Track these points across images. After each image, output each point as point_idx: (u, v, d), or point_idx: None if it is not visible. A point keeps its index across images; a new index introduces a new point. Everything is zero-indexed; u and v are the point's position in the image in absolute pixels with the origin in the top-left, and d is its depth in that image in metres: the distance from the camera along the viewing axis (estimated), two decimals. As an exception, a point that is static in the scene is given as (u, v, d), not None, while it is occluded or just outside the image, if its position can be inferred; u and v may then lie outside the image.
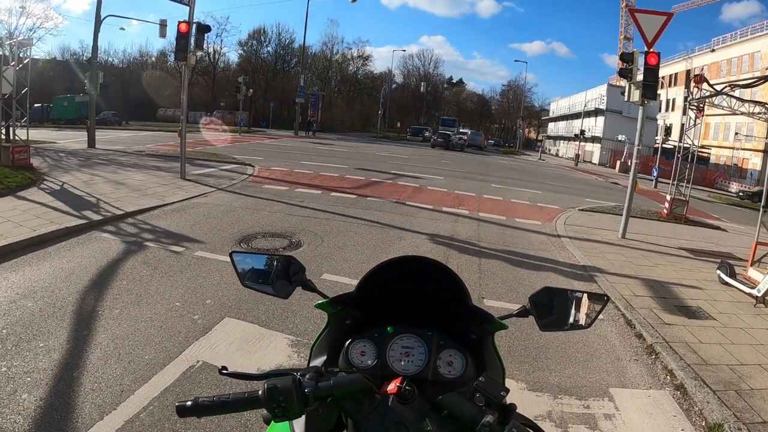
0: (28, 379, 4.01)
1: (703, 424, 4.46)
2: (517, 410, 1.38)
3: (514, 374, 4.99)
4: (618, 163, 52.49)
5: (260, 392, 1.22)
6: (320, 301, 1.75)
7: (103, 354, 4.49)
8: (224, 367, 1.39)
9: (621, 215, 13.20)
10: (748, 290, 8.15)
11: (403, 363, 1.64)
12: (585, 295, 1.82)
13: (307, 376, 1.28)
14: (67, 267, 6.76)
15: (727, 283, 8.79)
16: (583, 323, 1.79)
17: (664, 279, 9.00)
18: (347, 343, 1.68)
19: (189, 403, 1.21)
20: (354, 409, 1.27)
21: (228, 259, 1.89)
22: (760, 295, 7.82)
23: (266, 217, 10.72)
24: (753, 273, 8.75)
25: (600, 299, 1.83)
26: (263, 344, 5.02)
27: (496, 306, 6.82)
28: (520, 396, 4.64)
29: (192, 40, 14.56)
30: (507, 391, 1.36)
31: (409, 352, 1.67)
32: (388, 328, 1.70)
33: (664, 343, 5.98)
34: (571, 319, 1.80)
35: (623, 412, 4.52)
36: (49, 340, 4.66)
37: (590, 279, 8.75)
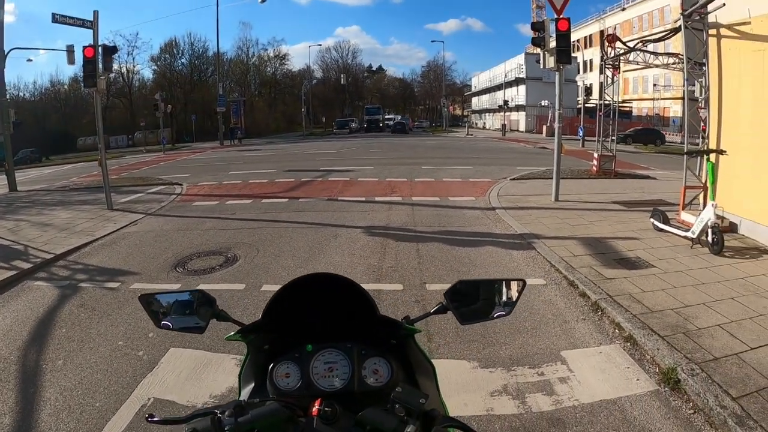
0: (-18, 451, 3.94)
1: (657, 370, 4.67)
2: (435, 411, 1.42)
3: (465, 354, 5.13)
4: (544, 128, 53.89)
5: None
6: (230, 334, 1.78)
7: (54, 409, 4.43)
8: (151, 415, 1.42)
9: (552, 179, 13.58)
10: (683, 234, 8.54)
11: (328, 378, 1.68)
12: (502, 281, 1.88)
13: (227, 413, 1.31)
14: (3, 324, 6.55)
15: (662, 230, 9.18)
16: (504, 311, 1.85)
17: (600, 235, 9.37)
18: (270, 367, 1.71)
19: None
20: None
21: (164, 286, 1.91)
22: (695, 236, 8.21)
23: (199, 236, 10.63)
24: (686, 216, 9.19)
25: (517, 283, 1.88)
26: (212, 369, 5.03)
27: (439, 289, 6.88)
28: (474, 375, 4.76)
29: (100, 64, 14.15)
30: (426, 397, 1.40)
31: (333, 366, 1.70)
32: (308, 347, 1.73)
33: (608, 298, 6.22)
34: (492, 308, 1.85)
35: (577, 373, 4.71)
36: (-4, 404, 4.60)
37: (528, 246, 9.01)
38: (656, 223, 9.40)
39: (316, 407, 1.39)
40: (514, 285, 1.88)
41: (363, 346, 1.75)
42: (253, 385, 1.79)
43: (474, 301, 1.87)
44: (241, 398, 1.75)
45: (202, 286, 7.10)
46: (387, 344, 1.82)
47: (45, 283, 8.23)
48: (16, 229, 12.47)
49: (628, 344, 5.24)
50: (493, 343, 5.36)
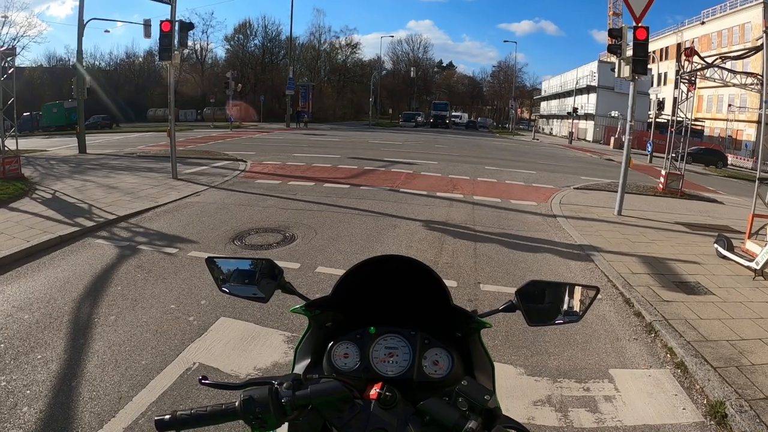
0: (28, 392, 4.02)
1: (705, 402, 4.44)
2: (503, 412, 1.34)
3: (512, 359, 5.00)
4: (612, 139, 52.52)
5: (237, 404, 1.22)
6: (296, 307, 1.74)
7: (101, 362, 4.51)
8: (204, 377, 1.38)
9: (616, 192, 13.16)
10: (746, 263, 8.12)
11: (387, 364, 1.61)
12: (575, 287, 1.78)
13: (285, 385, 1.26)
14: (61, 276, 6.76)
15: (725, 257, 8.76)
16: (574, 316, 1.76)
17: (661, 255, 8.99)
18: (330, 345, 1.66)
19: (167, 417, 1.21)
20: (334, 416, 1.25)
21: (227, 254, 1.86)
22: (758, 267, 7.80)
23: (259, 213, 10.72)
24: (751, 245, 8.72)
25: (591, 290, 1.77)
26: (259, 342, 5.04)
27: (493, 290, 6.85)
28: (519, 381, 4.64)
29: (175, 39, 14.45)
30: (491, 394, 1.32)
31: (393, 352, 1.64)
32: (371, 329, 1.68)
33: (663, 321, 5.96)
34: (561, 313, 1.76)
35: (623, 393, 4.53)
36: (47, 351, 4.68)
37: (587, 258, 8.74)
38: (720, 249, 8.99)
39: (377, 390, 1.33)
40: (586, 291, 1.78)
41: (427, 335, 1.68)
42: (308, 361, 1.74)
43: (543, 303, 1.78)
44: (295, 372, 1.71)
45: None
46: (451, 336, 1.75)
47: (105, 242, 8.44)
48: (83, 189, 12.88)
49: (679, 371, 5.02)
50: (542, 352, 5.23)
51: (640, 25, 11.66)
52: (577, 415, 4.15)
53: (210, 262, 1.85)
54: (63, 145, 26.10)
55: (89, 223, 9.31)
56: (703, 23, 58.65)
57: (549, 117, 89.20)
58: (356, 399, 1.31)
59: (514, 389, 4.49)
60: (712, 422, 4.18)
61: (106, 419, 3.72)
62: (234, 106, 51.06)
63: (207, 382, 1.36)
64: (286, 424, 1.32)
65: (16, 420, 3.67)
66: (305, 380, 1.31)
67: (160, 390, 4.10)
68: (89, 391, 4.06)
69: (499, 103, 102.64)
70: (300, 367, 1.73)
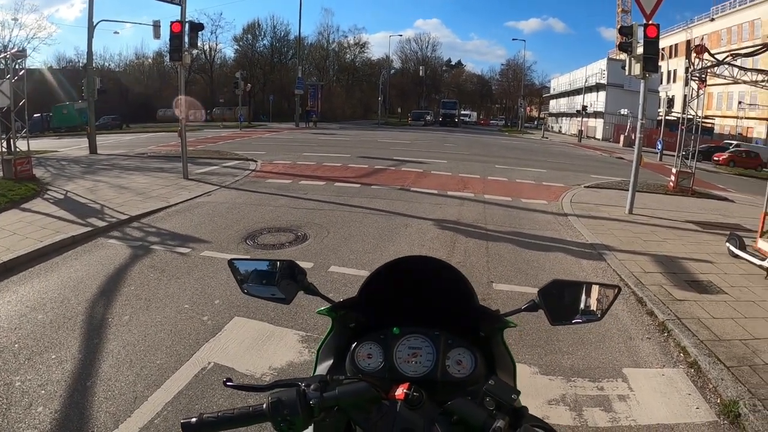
0: (42, 391, 4.03)
1: (718, 401, 4.41)
2: (529, 411, 1.36)
3: (526, 359, 4.98)
4: (622, 137, 52.31)
5: (264, 406, 1.22)
6: (322, 308, 1.74)
7: (115, 362, 4.51)
8: (228, 379, 1.38)
9: (627, 191, 13.13)
10: (758, 262, 8.06)
11: (411, 364, 1.62)
12: (596, 286, 1.79)
13: (312, 386, 1.27)
14: (75, 276, 6.78)
15: (737, 256, 8.69)
16: (595, 315, 1.76)
17: (673, 254, 8.94)
18: (353, 346, 1.66)
19: (194, 419, 1.21)
20: (361, 417, 1.26)
21: (248, 256, 1.86)
22: None
23: (271, 212, 10.73)
24: (763, 244, 8.63)
25: (611, 289, 1.78)
26: (273, 342, 5.03)
27: (506, 290, 6.82)
28: (533, 380, 4.63)
29: (185, 40, 14.51)
30: (518, 393, 1.34)
31: (417, 352, 1.65)
32: (394, 330, 1.68)
33: (676, 320, 5.93)
34: (582, 312, 1.76)
35: (637, 393, 4.50)
36: (61, 351, 4.68)
37: (599, 257, 8.70)
38: (732, 248, 8.92)
39: (403, 391, 1.32)
40: (607, 291, 1.79)
41: (450, 335, 1.69)
42: (331, 361, 1.74)
43: (565, 302, 1.78)
44: (317, 373, 1.72)
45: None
46: (474, 336, 1.76)
47: (118, 242, 8.47)
48: (94, 189, 12.94)
49: (692, 370, 4.99)
50: (556, 351, 5.21)
51: (650, 22, 11.59)
52: (591, 414, 4.13)
53: (231, 263, 1.84)
54: (74, 146, 26.24)
55: (101, 223, 9.34)
56: (712, 20, 58.31)
57: (558, 115, 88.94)
58: (383, 400, 1.31)
59: (528, 388, 4.45)
60: (726, 421, 4.16)
61: (121, 419, 3.72)
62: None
63: (232, 384, 1.36)
64: (312, 424, 1.30)
65: (31, 420, 3.67)
66: (331, 381, 1.31)
67: (176, 389, 4.09)
68: (104, 390, 4.06)
69: (508, 102, 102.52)
70: (323, 368, 1.73)
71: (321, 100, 71.24)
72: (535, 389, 4.47)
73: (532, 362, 4.94)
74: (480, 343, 1.73)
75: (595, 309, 1.76)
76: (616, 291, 1.77)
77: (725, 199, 17.44)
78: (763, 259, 7.97)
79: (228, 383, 1.36)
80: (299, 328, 5.31)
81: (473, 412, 1.26)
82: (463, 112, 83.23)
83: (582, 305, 1.76)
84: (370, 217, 10.71)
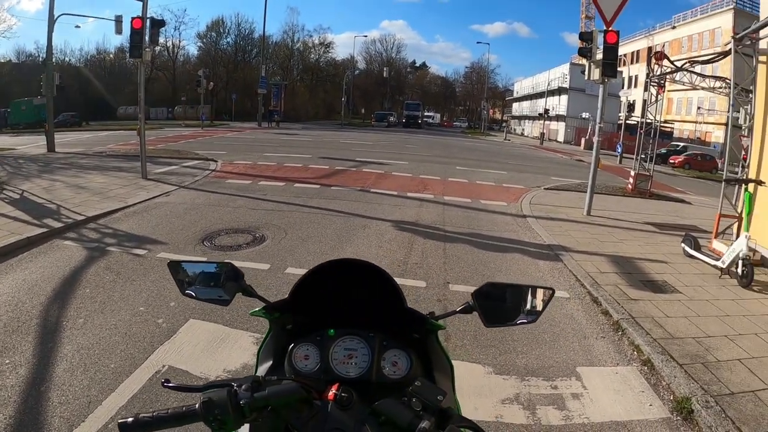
0: (-4, 397, 3.99)
1: (671, 398, 4.54)
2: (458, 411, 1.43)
3: (480, 359, 5.06)
4: (583, 140, 53.17)
5: (197, 406, 1.24)
6: (255, 309, 1.77)
7: (69, 366, 4.48)
8: (167, 380, 1.40)
9: (586, 192, 13.36)
10: (713, 262, 8.32)
11: (346, 365, 1.66)
12: (531, 288, 1.84)
13: (244, 386, 1.29)
14: (29, 279, 6.68)
15: (692, 256, 8.97)
16: (531, 317, 1.80)
17: (629, 254, 9.17)
18: (290, 347, 1.70)
19: (130, 419, 1.23)
20: (293, 417, 1.28)
21: (190, 258, 1.89)
22: (724, 266, 8.00)
23: (229, 213, 10.70)
24: (717, 245, 8.94)
25: (547, 291, 1.83)
26: (228, 344, 5.05)
27: (462, 290, 6.89)
28: (487, 380, 4.71)
29: (146, 36, 14.33)
30: (444, 394, 1.37)
31: (352, 354, 1.69)
32: (330, 331, 1.72)
33: (630, 319, 6.08)
34: (518, 314, 1.80)
35: (591, 391, 4.61)
36: (15, 355, 4.63)
37: (556, 258, 8.87)
38: (687, 248, 9.20)
39: (333, 392, 1.37)
40: (541, 293, 1.83)
41: (385, 337, 1.73)
42: (270, 363, 1.78)
43: (500, 304, 1.82)
44: (258, 374, 1.74)
45: (227, 262, 7.17)
46: (409, 337, 1.80)
47: (74, 243, 8.35)
48: (50, 189, 12.71)
49: (645, 368, 5.13)
50: (510, 351, 5.29)
51: (610, 29, 11.82)
52: (545, 413, 4.21)
53: (173, 265, 1.88)
54: (31, 144, 25.66)
55: (58, 224, 9.19)
56: (674, 27, 59.72)
57: (521, 118, 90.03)
58: (314, 400, 1.34)
59: (482, 388, 4.55)
60: (679, 418, 4.28)
61: (75, 424, 3.71)
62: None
63: (170, 385, 1.38)
64: (247, 425, 1.34)
65: (-16, 426, 3.65)
66: (264, 382, 1.33)
67: (130, 393, 4.09)
68: (58, 395, 4.04)
69: (471, 104, 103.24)
70: (262, 369, 1.77)
71: (284, 100, 70.88)
72: (489, 389, 4.55)
73: (486, 362, 5.02)
74: (416, 345, 1.78)
75: (531, 310, 1.80)
76: (550, 293, 1.82)
77: (682, 201, 17.91)
78: (717, 260, 8.23)
79: (166, 384, 1.39)
80: (254, 330, 5.32)
81: (399, 412, 1.29)
82: (426, 113, 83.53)
83: (519, 307, 1.81)
84: (328, 218, 10.75)
